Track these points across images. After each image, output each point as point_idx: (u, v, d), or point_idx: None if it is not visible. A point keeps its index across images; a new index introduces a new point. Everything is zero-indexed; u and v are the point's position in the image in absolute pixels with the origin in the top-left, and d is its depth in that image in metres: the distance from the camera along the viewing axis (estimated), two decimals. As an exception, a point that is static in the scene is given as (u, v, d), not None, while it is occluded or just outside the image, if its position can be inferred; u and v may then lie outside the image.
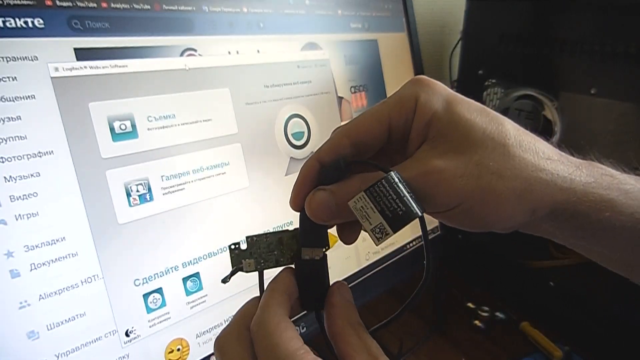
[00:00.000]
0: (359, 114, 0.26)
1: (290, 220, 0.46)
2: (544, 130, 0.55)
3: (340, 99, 0.52)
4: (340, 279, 0.47)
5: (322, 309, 0.24)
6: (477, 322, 0.61)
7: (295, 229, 0.25)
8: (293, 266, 0.25)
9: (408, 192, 0.21)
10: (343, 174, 0.23)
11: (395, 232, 0.21)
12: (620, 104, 0.50)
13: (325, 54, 0.51)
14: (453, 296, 0.66)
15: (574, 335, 0.55)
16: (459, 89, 0.67)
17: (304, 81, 0.49)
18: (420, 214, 0.21)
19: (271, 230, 0.25)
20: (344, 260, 0.51)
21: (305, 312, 0.25)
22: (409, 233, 0.60)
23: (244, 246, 0.24)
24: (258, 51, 0.45)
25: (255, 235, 0.24)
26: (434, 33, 0.79)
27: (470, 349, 0.57)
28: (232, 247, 0.24)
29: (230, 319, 0.23)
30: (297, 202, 0.24)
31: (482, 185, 0.21)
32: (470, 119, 0.22)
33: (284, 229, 0.25)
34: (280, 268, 0.25)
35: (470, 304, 0.63)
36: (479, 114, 0.23)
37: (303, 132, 0.48)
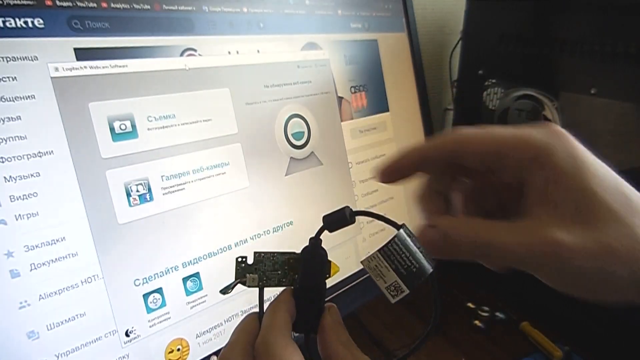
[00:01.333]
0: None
1: (290, 220, 0.46)
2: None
3: (340, 99, 0.52)
4: (341, 279, 0.47)
5: (313, 332, 0.24)
6: (477, 322, 0.61)
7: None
8: (292, 287, 0.25)
9: (418, 248, 0.21)
10: (348, 222, 0.23)
11: (410, 290, 0.21)
12: (620, 104, 0.50)
13: (325, 54, 0.51)
14: (453, 296, 0.66)
15: (574, 335, 0.55)
16: (459, 89, 0.68)
17: (304, 81, 0.49)
18: (432, 269, 0.21)
19: (279, 250, 0.25)
20: (344, 260, 0.51)
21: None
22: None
23: (250, 260, 0.25)
24: (258, 51, 0.45)
25: (263, 252, 0.25)
26: (434, 33, 0.79)
27: (470, 349, 0.57)
28: (239, 259, 0.25)
29: (231, 336, 0.24)
30: (387, 175, 0.24)
31: (600, 267, 0.20)
32: (600, 190, 0.20)
33: (291, 250, 0.25)
34: (280, 288, 0.25)
35: (470, 304, 0.63)
36: (609, 183, 0.21)
37: (303, 132, 0.48)
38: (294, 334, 0.24)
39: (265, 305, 0.25)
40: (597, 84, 0.50)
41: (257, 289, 0.25)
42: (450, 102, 0.75)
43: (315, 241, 0.24)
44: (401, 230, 0.21)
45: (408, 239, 0.21)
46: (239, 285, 0.25)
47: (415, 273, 0.21)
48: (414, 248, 0.21)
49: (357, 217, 0.24)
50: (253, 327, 0.23)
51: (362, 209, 0.24)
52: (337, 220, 0.23)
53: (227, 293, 0.25)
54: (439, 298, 0.22)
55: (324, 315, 0.24)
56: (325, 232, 0.24)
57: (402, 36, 0.61)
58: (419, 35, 0.62)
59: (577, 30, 0.51)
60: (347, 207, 0.23)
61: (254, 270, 0.25)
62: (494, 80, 0.63)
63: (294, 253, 0.25)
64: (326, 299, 0.25)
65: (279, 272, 0.25)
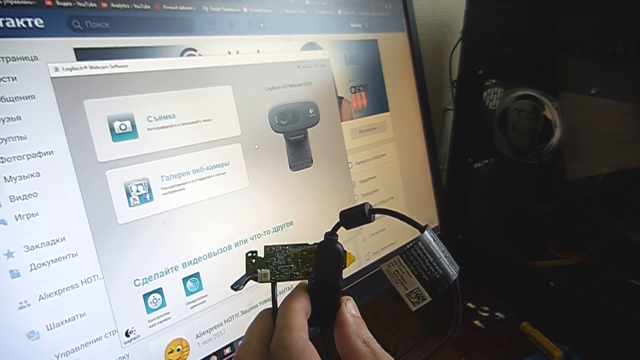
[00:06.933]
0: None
1: (290, 220, 0.46)
2: (544, 130, 0.55)
3: (340, 99, 0.52)
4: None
5: (329, 327, 0.23)
6: (477, 322, 0.61)
7: (314, 244, 0.24)
8: (306, 282, 0.24)
9: (443, 252, 0.19)
10: (367, 220, 0.22)
11: (433, 298, 0.20)
12: (620, 104, 0.50)
13: (325, 54, 0.51)
14: (453, 296, 0.66)
15: (574, 335, 0.55)
16: (459, 89, 0.68)
17: (304, 81, 0.48)
18: (457, 274, 0.20)
19: (290, 243, 0.24)
20: (344, 260, 0.51)
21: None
22: (410, 233, 0.60)
23: (261, 254, 0.24)
24: (258, 51, 0.45)
25: (274, 246, 0.24)
26: (434, 33, 0.80)
27: (470, 349, 0.57)
28: (249, 254, 0.24)
29: (245, 334, 0.23)
30: None
31: None
32: None
33: (303, 242, 0.24)
34: (292, 282, 0.24)
35: (470, 304, 0.63)
36: None
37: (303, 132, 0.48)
38: (310, 328, 0.23)
39: (279, 300, 0.24)
40: (597, 84, 0.50)
41: (266, 284, 0.24)
42: (450, 102, 0.75)
43: (332, 237, 0.23)
44: (425, 233, 0.19)
45: (432, 242, 0.19)
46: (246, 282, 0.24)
47: (438, 280, 0.19)
48: (438, 252, 0.19)
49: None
50: (267, 326, 0.23)
51: (382, 207, 0.22)
52: (355, 216, 0.22)
53: (239, 289, 0.24)
54: (460, 305, 0.21)
55: (340, 309, 0.23)
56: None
57: (402, 36, 0.61)
58: (419, 35, 0.62)
59: (577, 30, 0.51)
60: (367, 203, 0.22)
61: (266, 265, 0.24)
62: (493, 80, 0.63)
63: (306, 244, 0.24)
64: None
65: (292, 265, 0.24)
